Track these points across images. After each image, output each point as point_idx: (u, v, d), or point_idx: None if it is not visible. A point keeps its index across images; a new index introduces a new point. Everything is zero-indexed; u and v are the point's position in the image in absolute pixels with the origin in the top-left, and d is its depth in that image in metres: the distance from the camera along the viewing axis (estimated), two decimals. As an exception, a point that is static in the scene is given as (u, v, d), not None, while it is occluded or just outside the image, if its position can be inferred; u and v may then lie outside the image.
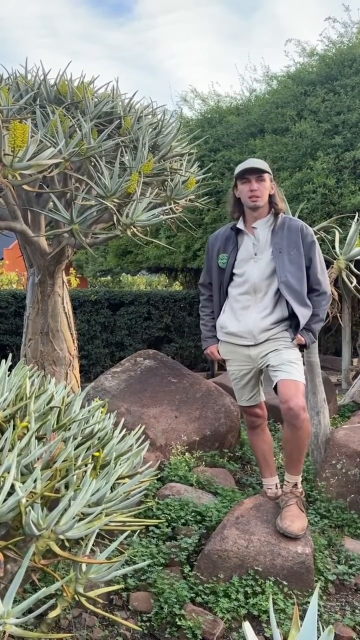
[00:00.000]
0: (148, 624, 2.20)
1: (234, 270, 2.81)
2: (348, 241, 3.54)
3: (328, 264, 3.48)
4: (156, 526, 2.64)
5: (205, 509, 2.74)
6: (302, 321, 2.68)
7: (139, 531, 2.58)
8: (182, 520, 2.69)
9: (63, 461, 1.57)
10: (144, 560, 2.37)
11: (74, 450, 1.65)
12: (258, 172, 2.71)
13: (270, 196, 2.78)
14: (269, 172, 2.76)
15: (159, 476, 3.15)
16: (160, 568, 2.40)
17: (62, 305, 4.09)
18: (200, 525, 2.68)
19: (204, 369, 8.33)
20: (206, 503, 2.81)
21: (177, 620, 2.14)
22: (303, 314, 2.69)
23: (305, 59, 7.69)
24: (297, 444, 2.62)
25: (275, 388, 2.68)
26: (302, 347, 2.78)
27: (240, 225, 2.83)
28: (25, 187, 2.95)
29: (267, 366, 2.75)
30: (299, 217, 4.97)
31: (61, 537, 1.40)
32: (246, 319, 2.76)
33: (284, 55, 13.48)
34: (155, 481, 3.05)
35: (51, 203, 3.67)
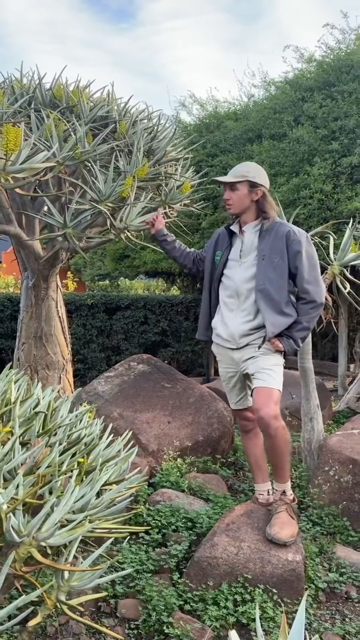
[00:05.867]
0: (136, 631, 2.18)
1: (224, 271, 2.84)
2: (342, 247, 3.53)
3: (322, 270, 3.48)
4: (146, 532, 2.62)
5: (196, 515, 2.72)
6: (271, 329, 2.63)
7: (128, 537, 2.57)
8: (173, 527, 2.67)
9: (47, 467, 1.55)
10: (133, 567, 2.35)
11: (59, 456, 1.63)
12: (227, 183, 2.76)
13: (256, 202, 2.75)
14: (246, 180, 2.72)
15: (150, 482, 3.13)
16: (150, 575, 2.38)
17: (56, 309, 4.07)
18: (191, 531, 2.66)
19: (200, 374, 8.32)
20: (197, 509, 2.80)
21: (164, 628, 2.12)
22: (275, 322, 2.64)
23: (304, 65, 7.71)
24: (276, 452, 2.61)
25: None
26: (285, 355, 2.76)
27: (233, 227, 2.86)
28: (18, 190, 2.95)
29: (246, 373, 2.77)
30: (295, 222, 4.97)
31: (43, 544, 1.38)
32: (230, 322, 2.78)
33: (282, 61, 13.46)
34: (147, 487, 3.03)
35: (46, 207, 3.66)
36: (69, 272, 13.05)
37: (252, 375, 2.69)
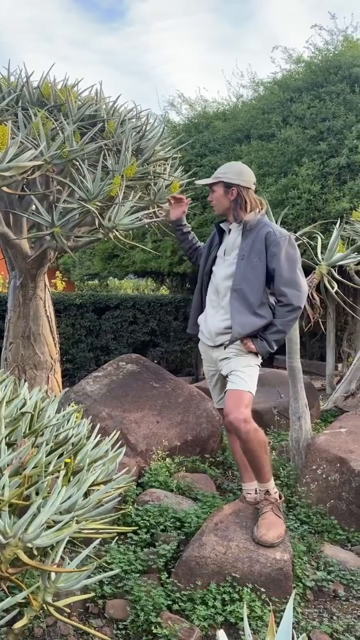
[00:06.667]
0: (124, 632, 2.17)
1: (212, 267, 2.85)
2: (330, 247, 3.54)
3: (309, 271, 3.49)
4: (135, 532, 2.61)
5: (185, 515, 2.72)
6: (238, 330, 2.60)
7: (117, 538, 2.56)
8: (161, 527, 2.66)
9: (34, 468, 1.54)
10: (121, 567, 2.35)
11: (46, 456, 1.62)
12: (209, 185, 2.82)
13: (233, 202, 2.75)
14: (220, 182, 2.75)
15: (139, 482, 3.12)
16: (138, 575, 2.38)
17: (44, 309, 4.05)
18: (180, 531, 2.65)
19: (189, 374, 8.32)
20: (186, 509, 2.79)
21: (153, 628, 2.12)
22: (244, 323, 2.60)
23: (292, 65, 7.75)
24: (250, 454, 2.59)
25: None
26: (268, 357, 2.76)
27: (224, 224, 2.88)
28: (5, 189, 2.93)
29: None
30: (283, 222, 4.99)
31: (29, 545, 1.37)
32: (210, 319, 2.79)
33: (271, 61, 13.50)
34: (135, 487, 3.02)
35: (33, 206, 3.64)
36: (57, 272, 12.98)
37: (226, 377, 2.70)
